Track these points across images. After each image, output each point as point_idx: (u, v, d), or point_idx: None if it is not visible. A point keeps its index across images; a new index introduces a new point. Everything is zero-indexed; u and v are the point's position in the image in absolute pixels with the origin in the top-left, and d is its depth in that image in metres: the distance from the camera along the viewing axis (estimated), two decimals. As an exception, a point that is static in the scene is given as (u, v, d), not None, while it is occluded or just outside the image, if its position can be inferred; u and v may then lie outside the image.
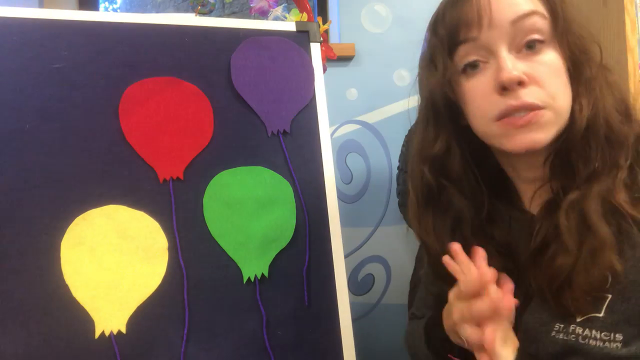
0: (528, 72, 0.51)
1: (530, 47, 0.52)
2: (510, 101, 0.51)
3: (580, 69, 0.53)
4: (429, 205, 0.61)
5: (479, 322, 0.51)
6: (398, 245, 1.53)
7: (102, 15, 0.75)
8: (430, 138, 0.60)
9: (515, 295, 0.53)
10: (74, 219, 0.66)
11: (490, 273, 0.51)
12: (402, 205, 1.20)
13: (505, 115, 0.52)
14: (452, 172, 0.59)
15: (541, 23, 0.52)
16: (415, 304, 0.77)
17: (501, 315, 0.50)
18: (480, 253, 0.53)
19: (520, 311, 0.54)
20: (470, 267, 0.52)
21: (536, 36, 0.52)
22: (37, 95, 0.69)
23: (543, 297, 0.53)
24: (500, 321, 0.51)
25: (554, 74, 0.52)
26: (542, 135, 0.52)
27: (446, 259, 0.55)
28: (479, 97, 0.54)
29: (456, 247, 0.55)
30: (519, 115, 0.51)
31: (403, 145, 1.20)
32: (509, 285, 0.53)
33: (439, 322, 0.61)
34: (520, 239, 0.58)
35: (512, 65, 0.51)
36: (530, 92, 0.51)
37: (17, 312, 0.62)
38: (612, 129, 0.52)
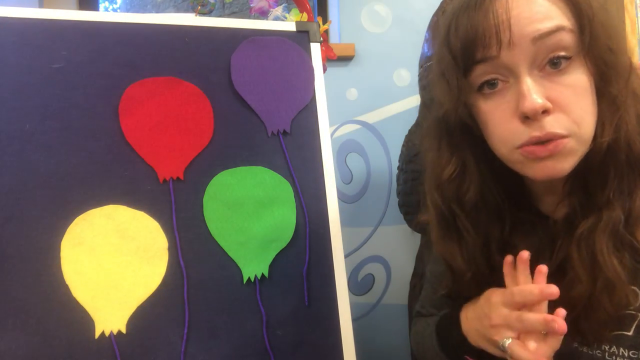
0: (553, 97, 0.47)
1: (555, 64, 0.47)
2: (534, 132, 0.47)
3: (607, 85, 0.49)
4: (450, 229, 0.59)
5: (524, 333, 0.49)
6: (398, 245, 1.53)
7: (102, 15, 0.75)
8: (444, 159, 0.57)
9: None
10: (74, 219, 0.66)
11: (555, 291, 0.47)
12: (402, 205, 1.20)
13: (527, 144, 0.49)
14: (467, 197, 0.56)
15: (567, 39, 0.47)
16: (421, 302, 0.76)
17: (552, 336, 0.48)
18: (543, 270, 0.50)
19: None
20: (528, 279, 0.51)
21: (562, 53, 0.47)
22: (37, 95, 0.69)
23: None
24: (549, 342, 0.48)
25: (580, 96, 0.48)
26: (565, 165, 0.49)
27: (507, 267, 0.53)
28: (499, 124, 0.51)
29: (510, 258, 0.53)
30: (542, 144, 0.48)
31: (403, 145, 1.20)
32: (562, 312, 0.48)
33: (454, 321, 0.59)
34: (541, 247, 0.56)
35: (535, 91, 0.47)
36: (555, 121, 0.47)
37: (17, 312, 0.62)
38: (632, 151, 0.49)
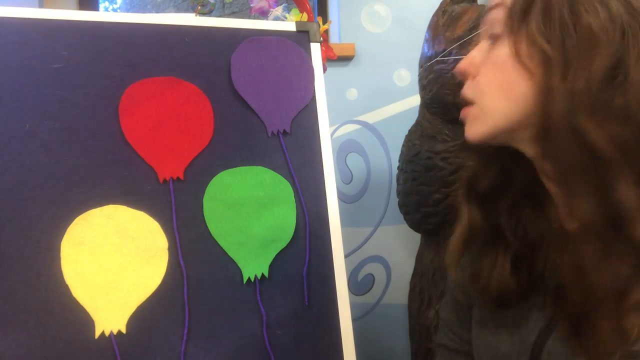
0: (479, 66, 0.50)
1: (491, 37, 0.50)
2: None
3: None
4: (487, 245, 0.56)
5: None
6: (398, 245, 1.53)
7: (102, 15, 0.75)
8: (481, 169, 0.57)
9: (542, 312, 0.51)
10: (74, 219, 0.66)
11: None
12: (402, 205, 1.20)
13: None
14: (504, 206, 0.55)
15: (500, 15, 0.48)
16: (445, 334, 0.72)
17: None
18: None
19: (544, 335, 0.51)
20: None
21: (493, 29, 0.49)
22: (37, 95, 0.69)
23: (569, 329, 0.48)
24: None
25: (493, 69, 0.49)
26: (471, 130, 0.51)
27: None
28: None
29: None
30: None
31: (403, 145, 1.20)
32: None
33: None
34: (550, 256, 0.53)
35: (471, 55, 0.51)
36: (468, 86, 0.51)
37: (17, 312, 0.62)
38: (586, 142, 0.44)
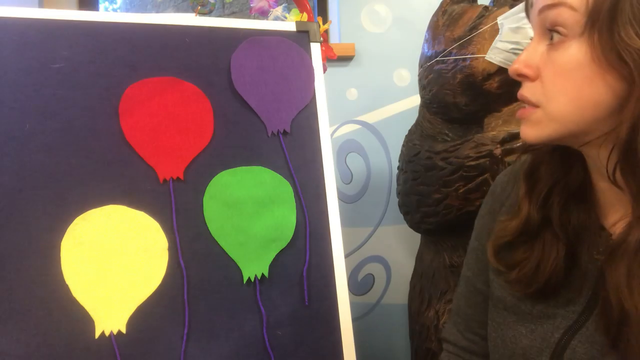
0: (540, 67, 0.48)
1: (551, 37, 0.47)
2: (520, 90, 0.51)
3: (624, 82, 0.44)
4: (537, 237, 0.56)
5: None
6: (398, 245, 1.53)
7: (102, 15, 0.75)
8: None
9: (569, 308, 0.51)
10: (74, 219, 0.66)
11: None
12: (402, 205, 1.20)
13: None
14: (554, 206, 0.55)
15: (565, 15, 0.45)
16: (455, 328, 0.71)
17: None
18: None
19: (570, 334, 0.51)
20: None
21: (556, 28, 0.46)
22: (37, 95, 0.69)
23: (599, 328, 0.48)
24: None
25: (559, 74, 0.47)
26: (529, 132, 0.50)
27: None
28: None
29: None
30: (523, 107, 0.51)
31: (403, 146, 1.20)
32: None
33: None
34: (591, 255, 0.53)
35: (526, 55, 0.49)
36: (529, 87, 0.49)
37: (17, 312, 0.62)
38: None
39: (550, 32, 0.47)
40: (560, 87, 0.47)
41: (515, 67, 0.49)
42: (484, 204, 0.68)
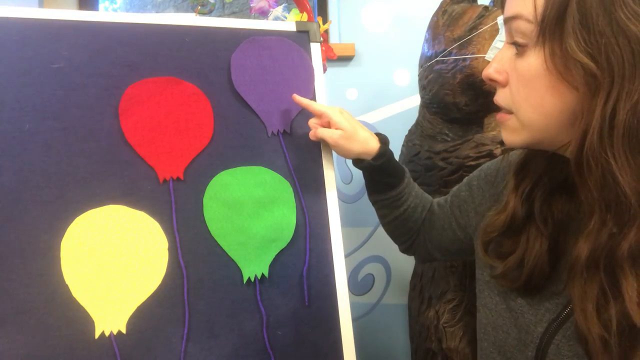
0: (509, 73, 0.50)
1: (515, 46, 0.48)
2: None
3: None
4: (521, 230, 0.57)
5: None
6: (398, 245, 1.52)
7: (102, 15, 0.75)
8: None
9: (552, 301, 0.52)
10: (74, 219, 0.66)
11: None
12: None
13: None
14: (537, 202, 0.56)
15: (523, 27, 0.46)
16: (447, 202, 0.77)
17: None
18: None
19: (554, 326, 0.52)
20: None
21: (516, 39, 0.47)
22: (37, 95, 0.69)
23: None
24: None
25: (522, 83, 0.48)
26: (510, 138, 0.52)
27: None
28: None
29: None
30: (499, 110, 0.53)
31: (403, 146, 1.20)
32: None
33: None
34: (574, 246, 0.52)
35: (497, 60, 0.51)
36: (501, 93, 0.51)
37: (17, 312, 0.62)
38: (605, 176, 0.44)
39: (514, 41, 0.48)
40: (524, 95, 0.48)
41: (488, 71, 0.51)
42: (475, 178, 0.73)
